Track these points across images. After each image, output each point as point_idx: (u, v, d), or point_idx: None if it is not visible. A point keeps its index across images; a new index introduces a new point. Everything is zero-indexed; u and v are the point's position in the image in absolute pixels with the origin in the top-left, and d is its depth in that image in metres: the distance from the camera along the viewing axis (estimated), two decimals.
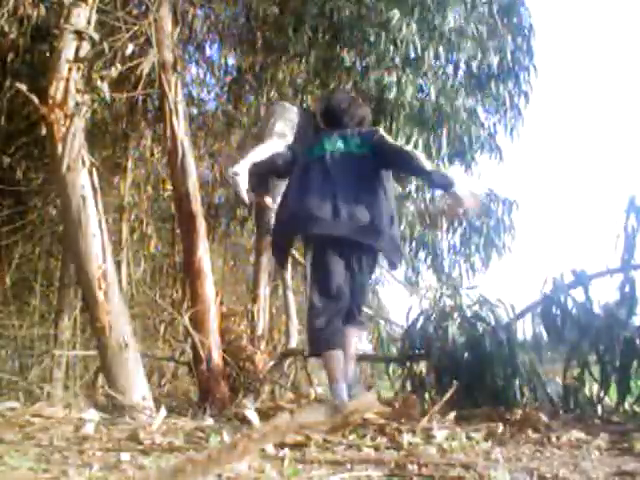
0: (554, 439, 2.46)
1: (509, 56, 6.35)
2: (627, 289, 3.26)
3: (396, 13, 5.47)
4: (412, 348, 3.81)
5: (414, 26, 5.52)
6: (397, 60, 5.71)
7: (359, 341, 3.53)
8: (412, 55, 5.71)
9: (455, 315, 3.67)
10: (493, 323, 3.56)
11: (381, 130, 3.30)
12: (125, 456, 2.04)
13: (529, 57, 6.58)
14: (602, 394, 3.17)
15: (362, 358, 4.95)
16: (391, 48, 5.56)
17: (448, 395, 2.94)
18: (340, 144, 3.17)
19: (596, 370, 3.23)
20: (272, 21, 5.90)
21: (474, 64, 6.01)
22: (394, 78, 5.51)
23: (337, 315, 3.12)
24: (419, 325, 3.78)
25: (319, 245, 3.14)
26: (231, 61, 6.97)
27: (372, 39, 5.57)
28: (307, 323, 3.18)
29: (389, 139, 3.19)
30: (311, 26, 5.60)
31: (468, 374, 3.32)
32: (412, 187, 6.35)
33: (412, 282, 6.75)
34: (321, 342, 3.09)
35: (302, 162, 3.29)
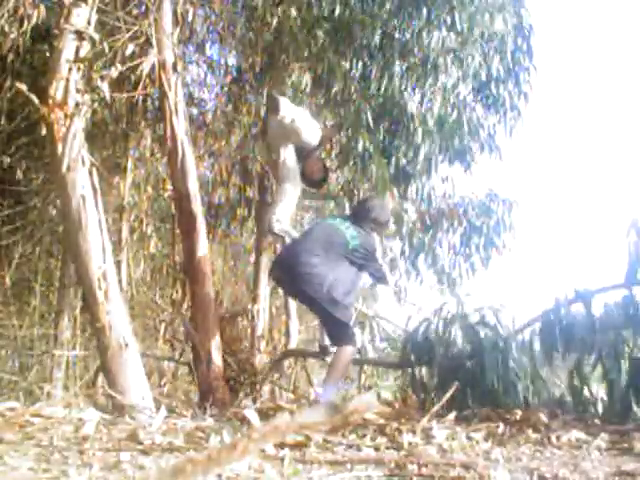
0: (554, 439, 2.46)
1: (509, 56, 6.35)
2: (631, 306, 3.25)
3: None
4: (414, 353, 3.80)
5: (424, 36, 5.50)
6: (401, 68, 5.69)
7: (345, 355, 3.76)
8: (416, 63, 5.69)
9: (457, 324, 3.64)
10: (493, 336, 3.52)
11: (375, 256, 4.02)
12: (125, 456, 2.04)
13: (529, 57, 6.57)
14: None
15: (365, 362, 4.94)
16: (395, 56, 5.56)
17: (448, 395, 2.94)
18: (343, 226, 3.92)
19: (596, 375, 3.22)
20: (275, 24, 5.85)
21: (481, 72, 5.99)
22: (399, 86, 5.49)
23: None
24: (421, 332, 3.76)
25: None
26: (231, 61, 6.97)
27: (377, 46, 5.57)
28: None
29: (372, 263, 3.92)
30: (315, 31, 5.55)
31: (469, 383, 3.28)
32: (412, 188, 6.34)
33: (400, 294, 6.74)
34: None
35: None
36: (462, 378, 3.26)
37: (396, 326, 5.24)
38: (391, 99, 5.57)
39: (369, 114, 5.46)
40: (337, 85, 5.53)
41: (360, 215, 4.05)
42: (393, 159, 5.72)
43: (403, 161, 5.71)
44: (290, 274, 3.78)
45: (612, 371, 3.10)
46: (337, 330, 3.74)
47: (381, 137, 5.69)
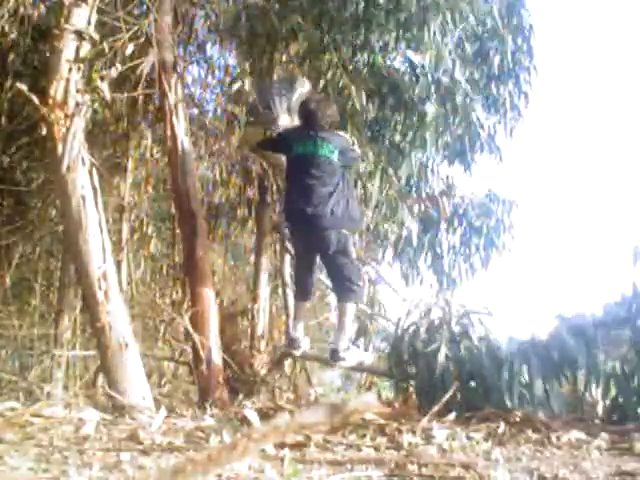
0: (554, 439, 2.46)
1: (509, 56, 6.33)
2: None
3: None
4: (398, 366, 3.78)
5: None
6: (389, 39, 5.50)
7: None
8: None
9: (443, 330, 3.61)
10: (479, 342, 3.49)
11: (349, 138, 4.20)
12: (125, 456, 2.04)
13: (529, 57, 6.56)
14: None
15: (355, 368, 4.92)
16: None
17: (447, 397, 2.94)
18: (318, 147, 3.98)
19: None
20: (259, 7, 5.69)
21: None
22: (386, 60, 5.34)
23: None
24: (406, 340, 3.75)
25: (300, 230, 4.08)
26: (231, 61, 6.96)
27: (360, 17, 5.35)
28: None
29: (354, 148, 4.17)
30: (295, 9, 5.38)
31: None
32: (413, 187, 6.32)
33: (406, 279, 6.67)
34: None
35: (291, 157, 4.11)
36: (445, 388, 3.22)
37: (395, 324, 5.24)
38: (380, 74, 5.39)
39: (355, 92, 5.22)
40: (322, 64, 5.35)
41: (314, 122, 4.06)
42: (387, 143, 5.59)
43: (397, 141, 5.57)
44: (309, 225, 3.90)
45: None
46: (349, 279, 3.89)
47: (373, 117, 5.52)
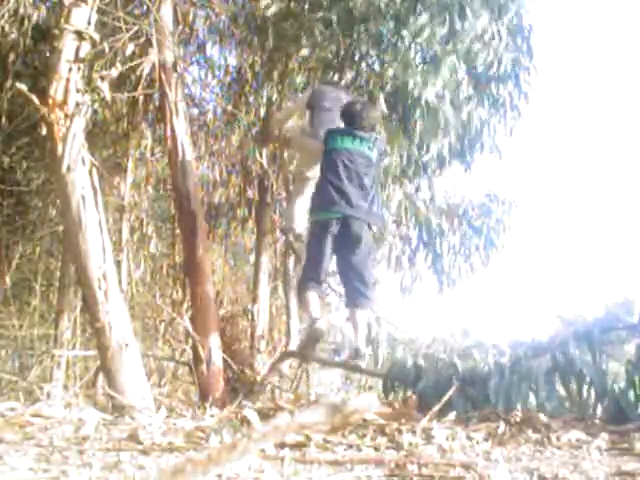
0: (554, 439, 2.46)
1: (509, 56, 6.33)
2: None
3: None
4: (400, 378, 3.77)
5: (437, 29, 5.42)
6: (415, 57, 5.61)
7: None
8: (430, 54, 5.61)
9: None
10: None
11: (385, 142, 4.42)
12: (125, 456, 2.04)
13: (529, 57, 6.56)
14: None
15: (354, 368, 4.91)
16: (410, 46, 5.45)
17: (447, 397, 2.94)
18: (358, 144, 4.15)
19: None
20: (283, 12, 5.71)
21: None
22: (413, 76, 5.40)
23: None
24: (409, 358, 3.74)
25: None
26: (231, 61, 6.97)
27: (389, 35, 5.46)
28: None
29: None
30: (325, 16, 5.42)
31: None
32: (413, 188, 6.33)
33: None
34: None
35: (335, 150, 4.16)
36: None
37: (397, 328, 5.24)
38: (404, 87, 5.45)
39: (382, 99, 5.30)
40: (349, 72, 5.43)
41: (353, 122, 4.20)
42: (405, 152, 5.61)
43: (415, 153, 5.62)
44: (342, 215, 3.99)
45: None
46: (363, 281, 3.95)
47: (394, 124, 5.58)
